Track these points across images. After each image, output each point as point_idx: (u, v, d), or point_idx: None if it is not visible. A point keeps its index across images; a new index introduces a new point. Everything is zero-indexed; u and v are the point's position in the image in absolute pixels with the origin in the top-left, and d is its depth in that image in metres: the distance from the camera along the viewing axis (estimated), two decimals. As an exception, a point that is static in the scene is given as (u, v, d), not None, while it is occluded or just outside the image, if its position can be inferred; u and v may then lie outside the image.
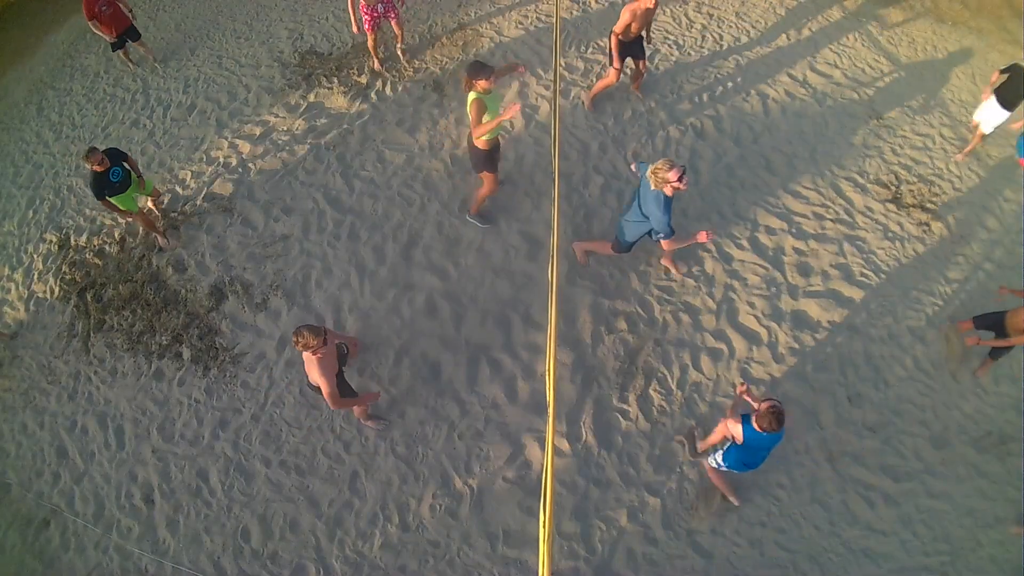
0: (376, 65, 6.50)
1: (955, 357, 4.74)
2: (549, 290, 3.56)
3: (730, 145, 5.85)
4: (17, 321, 5.47)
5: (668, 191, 3.94)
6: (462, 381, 4.66)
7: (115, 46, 6.95)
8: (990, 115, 5.63)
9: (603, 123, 5.99)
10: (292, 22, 7.37)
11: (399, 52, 6.58)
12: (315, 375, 3.68)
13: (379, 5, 6.01)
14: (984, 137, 5.83)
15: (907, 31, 7.07)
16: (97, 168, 4.80)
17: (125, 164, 5.04)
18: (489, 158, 4.78)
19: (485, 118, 4.36)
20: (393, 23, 6.25)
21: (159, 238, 5.47)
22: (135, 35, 6.98)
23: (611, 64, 5.66)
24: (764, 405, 3.37)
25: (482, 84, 4.23)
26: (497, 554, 4.06)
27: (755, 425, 3.41)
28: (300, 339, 3.51)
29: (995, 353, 4.62)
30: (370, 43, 6.31)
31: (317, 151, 5.97)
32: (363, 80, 6.46)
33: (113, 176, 4.93)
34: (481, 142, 4.60)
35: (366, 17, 6.05)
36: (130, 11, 6.92)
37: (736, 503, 4.14)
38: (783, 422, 3.36)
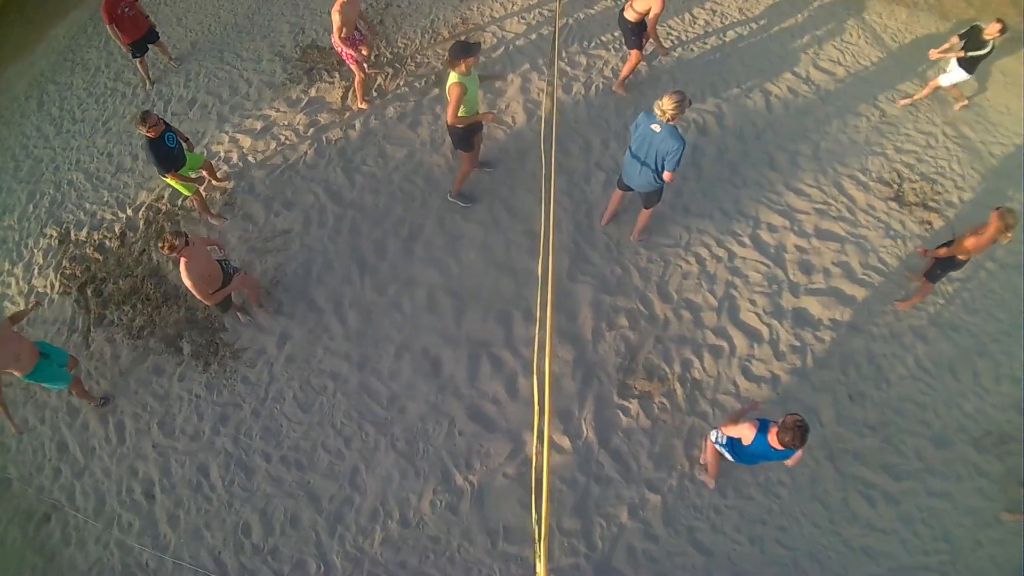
0: (360, 103, 6.11)
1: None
2: (541, 286, 3.55)
3: (733, 142, 5.83)
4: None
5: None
6: (463, 377, 4.66)
7: (135, 54, 6.59)
8: (952, 76, 5.97)
9: (605, 119, 5.97)
10: (293, 16, 7.34)
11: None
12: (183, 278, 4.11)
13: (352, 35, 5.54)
14: (935, 88, 6.11)
15: (911, 28, 7.03)
16: (150, 134, 4.53)
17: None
18: (464, 137, 4.82)
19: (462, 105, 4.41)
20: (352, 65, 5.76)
21: (210, 218, 5.48)
22: (154, 37, 6.66)
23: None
24: (789, 419, 3.23)
25: (470, 62, 4.25)
26: (497, 550, 4.07)
27: (773, 439, 3.31)
28: (164, 243, 3.94)
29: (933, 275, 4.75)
30: (357, 80, 5.91)
31: (318, 145, 5.95)
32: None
33: (169, 141, 4.72)
34: (460, 121, 4.57)
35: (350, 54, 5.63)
36: (148, 16, 6.61)
37: (711, 486, 4.18)
38: (806, 439, 3.21)
